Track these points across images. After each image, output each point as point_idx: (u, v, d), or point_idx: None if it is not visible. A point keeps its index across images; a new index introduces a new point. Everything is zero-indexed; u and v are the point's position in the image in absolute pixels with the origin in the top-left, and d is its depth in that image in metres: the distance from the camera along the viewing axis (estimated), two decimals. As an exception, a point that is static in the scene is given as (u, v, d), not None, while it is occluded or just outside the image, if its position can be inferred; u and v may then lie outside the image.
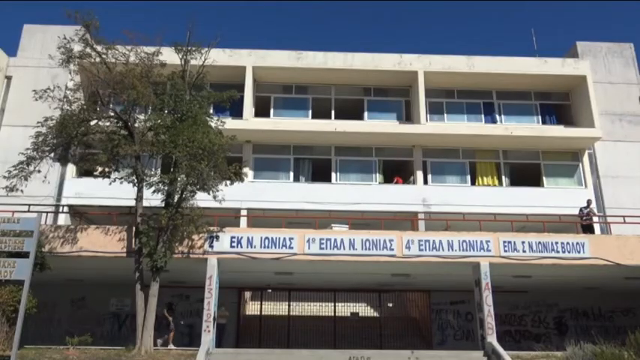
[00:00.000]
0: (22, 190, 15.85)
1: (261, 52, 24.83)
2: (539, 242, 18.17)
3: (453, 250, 18.02)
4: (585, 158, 24.74)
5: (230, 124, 19.61)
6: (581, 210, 20.89)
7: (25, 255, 13.29)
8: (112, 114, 17.43)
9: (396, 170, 24.77)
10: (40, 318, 16.04)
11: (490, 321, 17.28)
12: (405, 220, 22.51)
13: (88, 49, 16.96)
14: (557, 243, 18.17)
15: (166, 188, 16.71)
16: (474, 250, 18.07)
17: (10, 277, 13.14)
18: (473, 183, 24.61)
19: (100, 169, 18.42)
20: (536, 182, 24.62)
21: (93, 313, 20.87)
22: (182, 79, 17.96)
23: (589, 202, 21.30)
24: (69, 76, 20.09)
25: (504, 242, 18.17)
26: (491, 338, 16.89)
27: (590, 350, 13.78)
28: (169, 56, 17.89)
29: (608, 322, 22.50)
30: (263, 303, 23.15)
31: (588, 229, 20.53)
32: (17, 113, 22.97)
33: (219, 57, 22.33)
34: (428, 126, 24.30)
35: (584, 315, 23.09)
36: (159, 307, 16.59)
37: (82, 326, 17.13)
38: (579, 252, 18.11)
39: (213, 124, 17.50)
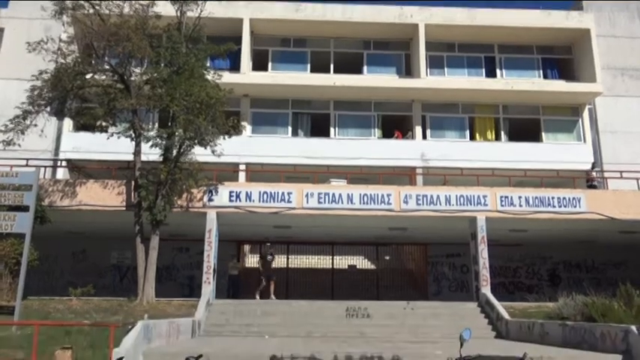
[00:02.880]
0: (19, 145, 15.83)
1: (258, 3, 24.22)
2: (536, 197, 18.36)
3: (450, 204, 18.21)
4: (585, 113, 24.59)
5: (227, 77, 19.36)
6: (587, 173, 21.36)
7: (25, 209, 13.44)
8: (108, 67, 17.20)
9: (395, 125, 24.65)
10: (42, 270, 16.32)
11: (485, 273, 17.65)
12: (403, 175, 22.59)
13: (81, 0, 16.56)
14: (553, 198, 18.36)
15: (164, 142, 16.70)
16: (471, 204, 18.25)
17: (11, 230, 13.33)
18: (472, 138, 24.55)
19: (97, 123, 18.32)
20: (535, 137, 24.56)
21: (94, 266, 21.20)
22: (178, 32, 17.63)
23: (593, 165, 21.68)
24: (62, 28, 19.70)
25: (501, 197, 18.35)
26: (486, 290, 17.29)
27: (581, 301, 14.12)
28: (164, 8, 17.50)
29: (600, 274, 22.94)
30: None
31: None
32: (11, 66, 22.59)
33: (216, 9, 21.72)
34: (428, 80, 24.01)
35: (577, 267, 23.52)
36: (159, 260, 16.88)
37: (84, 278, 17.47)
38: (575, 206, 18.32)
39: (210, 77, 17.29)
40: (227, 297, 18.95)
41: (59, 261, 20.74)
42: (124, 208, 17.39)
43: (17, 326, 12.26)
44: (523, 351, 6.40)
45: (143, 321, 10.66)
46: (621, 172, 20.41)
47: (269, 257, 18.24)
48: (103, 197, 17.43)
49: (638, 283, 14.46)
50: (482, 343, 11.95)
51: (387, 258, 24.87)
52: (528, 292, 21.86)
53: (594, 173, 21.70)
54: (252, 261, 24.30)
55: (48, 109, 16.65)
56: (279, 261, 22.76)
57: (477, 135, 24.62)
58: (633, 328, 10.25)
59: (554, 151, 23.50)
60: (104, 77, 17.34)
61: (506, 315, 15.47)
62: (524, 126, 24.51)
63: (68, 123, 22.22)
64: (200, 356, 5.91)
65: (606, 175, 22.04)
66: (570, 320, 13.33)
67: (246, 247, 24.59)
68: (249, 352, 9.89)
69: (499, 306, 16.09)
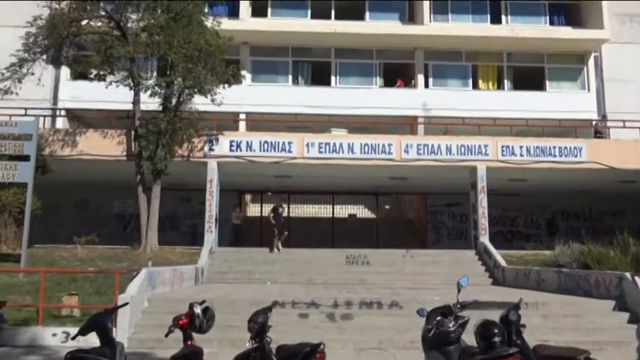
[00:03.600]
0: (16, 93, 15.66)
1: (256, -55, 23.36)
2: (537, 146, 18.32)
3: (451, 154, 18.20)
4: (591, 61, 24.13)
5: (226, 24, 18.88)
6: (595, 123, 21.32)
7: (26, 158, 13.45)
8: (103, 13, 16.80)
9: (397, 74, 24.27)
10: (45, 219, 16.48)
11: (484, 222, 17.85)
12: (404, 125, 22.44)
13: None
14: (554, 147, 18.33)
15: (163, 91, 16.52)
16: (472, 154, 18.24)
17: (13, 179, 13.40)
18: (474, 87, 24.23)
19: (94, 71, 18.05)
20: (539, 86, 24.22)
21: (97, 215, 21.37)
22: (174, -25, 17.07)
23: (604, 117, 21.55)
24: (55, -29, 19.04)
25: (502, 146, 18.31)
26: (484, 238, 17.53)
27: (577, 249, 14.31)
28: (159, -50, 16.85)
29: (598, 223, 23.18)
30: (263, 205, 23.70)
31: None
32: (5, 12, 22.03)
33: (212, -49, 21.02)
34: (431, 27, 23.45)
35: (575, 216, 23.76)
36: (161, 209, 17.03)
37: (87, 227, 17.63)
38: (576, 156, 18.31)
39: (208, 24, 16.90)
40: (230, 245, 19.23)
41: (62, 210, 20.90)
42: (125, 158, 17.40)
43: (24, 273, 12.51)
44: (519, 297, 6.55)
45: (147, 268, 10.88)
46: (624, 121, 20.25)
47: (280, 209, 18.28)
48: (103, 147, 17.42)
49: (636, 231, 14.63)
50: (479, 289, 12.23)
51: (387, 207, 25.09)
52: (526, 240, 22.15)
53: (598, 123, 21.60)
54: (253, 210, 24.55)
55: (44, 56, 16.38)
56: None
57: (480, 84, 24.28)
58: (627, 274, 10.45)
59: (557, 100, 23.22)
60: (100, 24, 16.96)
61: (503, 262, 15.75)
62: (527, 74, 24.13)
63: (66, 71, 21.89)
64: (203, 302, 6.03)
65: (609, 124, 21.89)
66: (566, 268, 13.57)
67: (248, 197, 24.77)
68: (251, 298, 10.12)
69: (496, 254, 16.36)
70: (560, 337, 8.71)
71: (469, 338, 5.59)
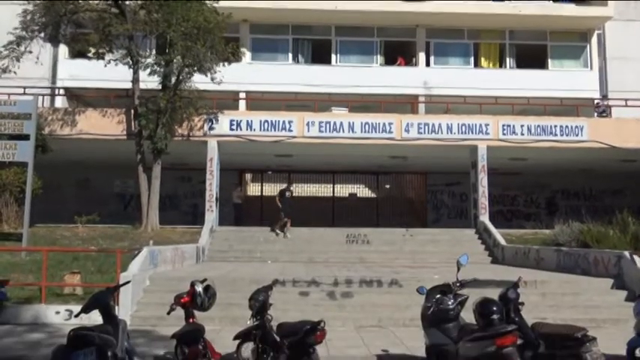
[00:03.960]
0: (15, 72, 15.56)
1: None
2: (538, 125, 18.26)
3: (451, 133, 18.15)
4: (594, 39, 23.86)
5: (225, 1, 18.64)
6: (598, 103, 21.16)
7: (26, 137, 13.41)
8: (101, -10, 16.60)
9: (398, 52, 24.03)
10: (46, 199, 16.51)
11: (484, 201, 17.89)
12: (405, 103, 22.32)
13: None
14: (555, 126, 18.27)
15: (162, 70, 16.40)
16: (472, 133, 18.19)
17: (13, 158, 13.39)
18: (476, 65, 24.01)
19: (93, 49, 17.90)
20: (541, 64, 23.99)
21: (98, 194, 21.41)
22: (172, -49, 16.81)
23: (605, 96, 21.56)
24: (51, -53, 18.72)
25: (503, 125, 18.26)
26: (484, 217, 17.59)
27: (577, 228, 14.36)
28: None
29: (598, 202, 23.22)
30: (264, 184, 23.72)
31: None
32: (1, -11, 21.77)
33: None
34: (432, 4, 23.09)
35: (575, 195, 23.78)
36: (162, 189, 17.06)
37: (88, 207, 17.66)
38: (577, 135, 18.26)
39: (207, 2, 16.69)
40: (232, 224, 19.30)
41: (63, 189, 20.93)
42: (125, 137, 17.37)
43: (26, 252, 12.58)
44: (518, 275, 6.59)
45: (149, 247, 10.93)
46: (626, 99, 20.14)
47: (287, 194, 18.12)
48: (103, 126, 17.37)
49: (635, 210, 14.65)
50: (478, 268, 12.30)
51: (387, 186, 25.12)
52: (526, 220, 22.17)
53: (600, 101, 21.46)
54: (254, 190, 24.59)
55: (42, 34, 16.23)
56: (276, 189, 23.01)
57: (482, 62, 24.06)
58: (626, 253, 10.50)
59: (559, 79, 23.03)
60: (98, 1, 16.76)
61: (502, 241, 15.82)
62: (530, 52, 23.89)
63: (64, 50, 21.66)
64: (205, 280, 6.09)
65: (611, 102, 21.76)
66: (565, 246, 13.63)
67: (248, 176, 24.78)
68: (252, 277, 10.21)
69: (496, 232, 16.42)
70: (558, 314, 8.79)
71: (468, 316, 5.66)
